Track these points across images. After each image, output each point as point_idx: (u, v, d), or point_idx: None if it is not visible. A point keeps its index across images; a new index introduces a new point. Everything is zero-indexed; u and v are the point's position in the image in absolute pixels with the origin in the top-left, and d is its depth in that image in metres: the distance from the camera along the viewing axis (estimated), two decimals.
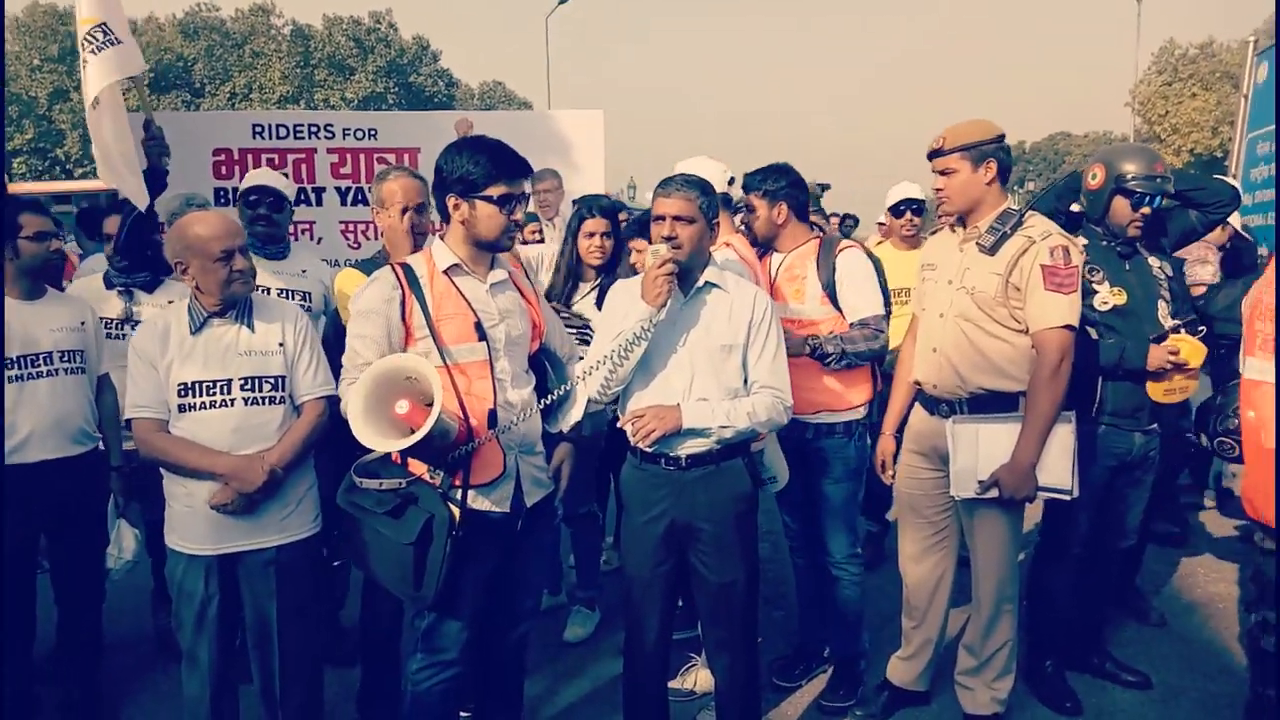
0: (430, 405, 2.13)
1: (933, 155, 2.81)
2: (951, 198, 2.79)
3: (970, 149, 2.72)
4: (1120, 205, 3.08)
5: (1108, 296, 3.06)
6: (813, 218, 3.63)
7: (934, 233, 3.39)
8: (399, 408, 2.16)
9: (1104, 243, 3.15)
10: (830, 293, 3.09)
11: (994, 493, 2.71)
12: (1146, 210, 3.06)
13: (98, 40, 3.67)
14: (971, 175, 2.74)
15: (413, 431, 2.14)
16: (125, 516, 3.09)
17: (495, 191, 2.33)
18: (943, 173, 2.79)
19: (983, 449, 2.73)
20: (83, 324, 3.11)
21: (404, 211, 2.92)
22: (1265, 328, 2.31)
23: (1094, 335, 3.07)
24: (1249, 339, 2.38)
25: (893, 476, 3.14)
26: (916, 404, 3.04)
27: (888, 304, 3.21)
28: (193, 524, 2.52)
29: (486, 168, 2.33)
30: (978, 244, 2.75)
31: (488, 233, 2.38)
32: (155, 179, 3.65)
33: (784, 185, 3.18)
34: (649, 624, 2.66)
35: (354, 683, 3.22)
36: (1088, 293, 3.02)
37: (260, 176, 3.61)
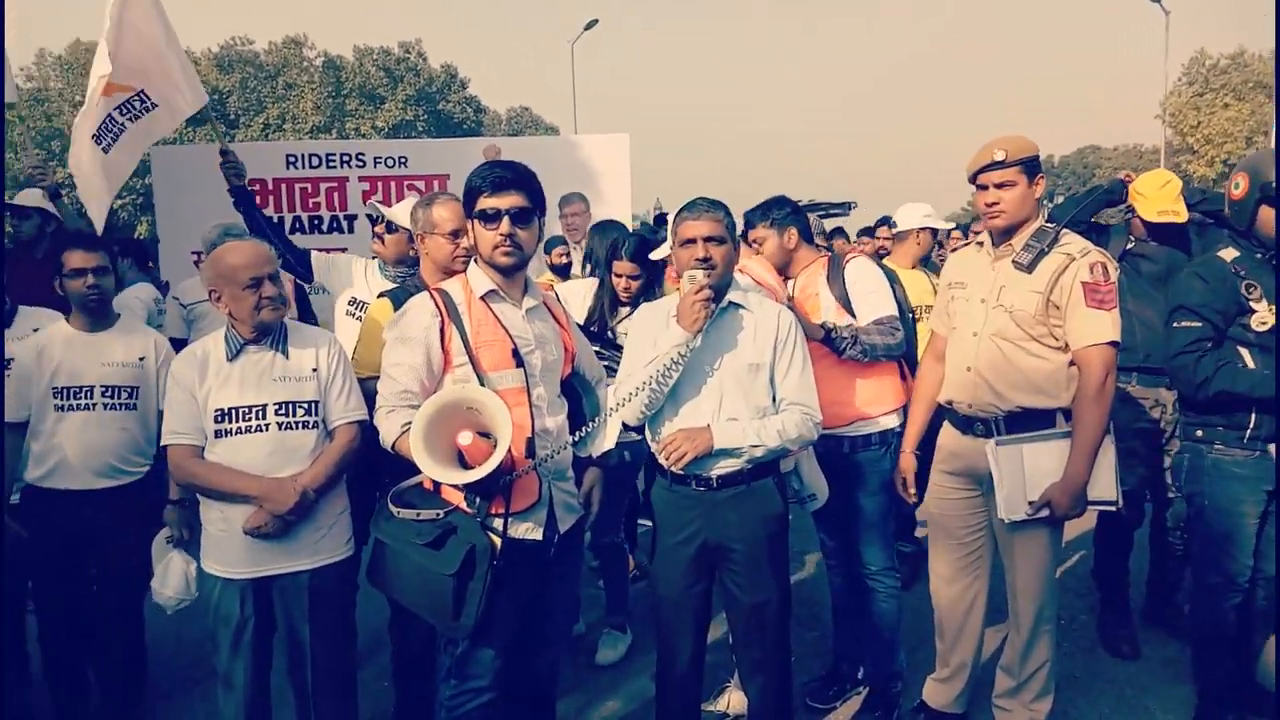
0: (487, 436, 2.15)
1: (990, 168, 2.72)
2: (1009, 210, 2.72)
3: (1026, 162, 2.70)
4: (1267, 214, 2.88)
5: (1266, 316, 2.82)
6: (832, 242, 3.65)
7: (954, 250, 3.35)
8: (462, 438, 2.16)
9: (1257, 255, 2.92)
10: (845, 303, 3.13)
11: (1045, 513, 2.67)
12: None
13: (135, 109, 4.00)
14: (1028, 189, 2.72)
15: (462, 458, 2.16)
16: (182, 549, 2.94)
17: (481, 205, 2.32)
18: (1000, 185, 2.72)
19: (1029, 470, 2.69)
20: (142, 359, 3.11)
21: (455, 235, 2.91)
22: None
23: (1249, 360, 2.83)
24: None
25: (914, 494, 3.11)
26: (946, 424, 3.00)
27: (905, 308, 3.29)
28: (228, 547, 2.56)
29: (472, 182, 2.34)
30: (1014, 262, 2.73)
31: (482, 251, 2.36)
32: (242, 197, 3.95)
33: (788, 212, 3.25)
34: (681, 646, 2.65)
35: (389, 706, 3.23)
36: (1243, 311, 2.85)
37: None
